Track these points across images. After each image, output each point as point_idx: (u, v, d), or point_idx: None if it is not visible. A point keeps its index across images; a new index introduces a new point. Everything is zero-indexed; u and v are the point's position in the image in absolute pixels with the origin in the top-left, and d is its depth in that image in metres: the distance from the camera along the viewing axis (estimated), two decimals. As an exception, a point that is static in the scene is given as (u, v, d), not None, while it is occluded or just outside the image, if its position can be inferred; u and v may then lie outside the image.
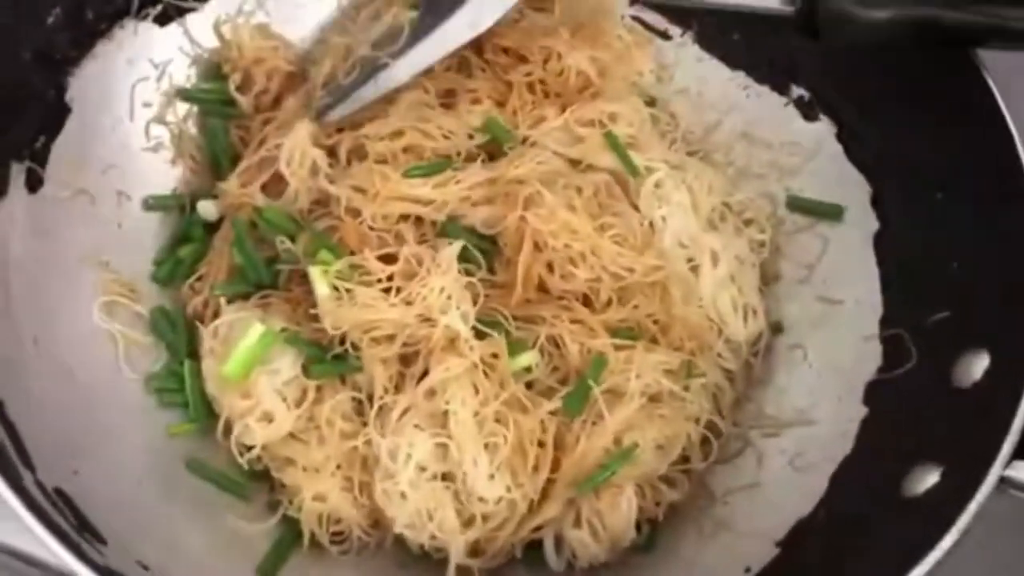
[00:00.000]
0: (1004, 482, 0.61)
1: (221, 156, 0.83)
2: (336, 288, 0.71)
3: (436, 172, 0.76)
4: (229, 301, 0.75)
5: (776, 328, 0.81)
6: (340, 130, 0.79)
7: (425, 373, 0.70)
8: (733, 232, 0.81)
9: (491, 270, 0.74)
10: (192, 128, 0.85)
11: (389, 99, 0.79)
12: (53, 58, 0.78)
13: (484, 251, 0.74)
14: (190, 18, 0.85)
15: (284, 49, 0.85)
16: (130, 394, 0.75)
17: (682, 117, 0.87)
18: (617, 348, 0.72)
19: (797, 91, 0.85)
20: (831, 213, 0.82)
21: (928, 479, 0.64)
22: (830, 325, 0.79)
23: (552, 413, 0.70)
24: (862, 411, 0.73)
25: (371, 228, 0.74)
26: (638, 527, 0.72)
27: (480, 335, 0.71)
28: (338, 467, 0.71)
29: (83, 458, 0.68)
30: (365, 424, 0.71)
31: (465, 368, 0.69)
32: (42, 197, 0.76)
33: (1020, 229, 0.69)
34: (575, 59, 0.81)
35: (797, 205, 0.84)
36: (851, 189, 0.81)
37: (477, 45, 0.80)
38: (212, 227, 0.81)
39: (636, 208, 0.78)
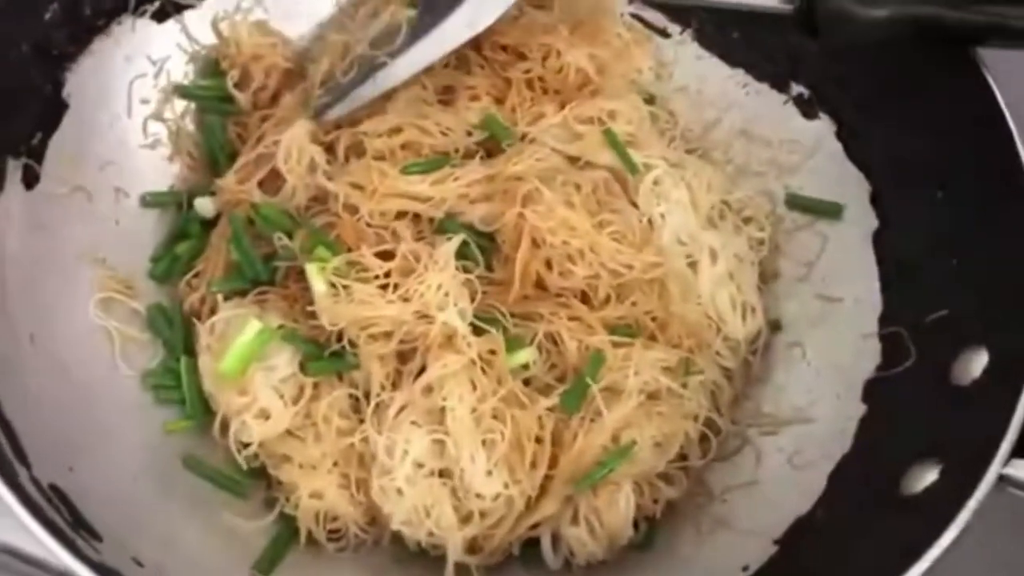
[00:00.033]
0: (1003, 480, 0.61)
1: (219, 153, 0.83)
2: (333, 285, 0.71)
3: (434, 169, 0.76)
4: (226, 298, 0.75)
5: (775, 326, 0.80)
6: (338, 127, 0.79)
7: (422, 370, 0.70)
8: (732, 230, 0.81)
9: (489, 267, 0.74)
10: (190, 125, 0.85)
11: (387, 96, 0.79)
12: (50, 53, 0.78)
13: (482, 248, 0.74)
14: (188, 15, 0.85)
15: (282, 46, 0.85)
16: (126, 391, 0.75)
17: (681, 115, 0.87)
18: (615, 345, 0.72)
19: (796, 89, 0.85)
20: (830, 211, 0.81)
21: (927, 477, 0.64)
22: (829, 323, 0.79)
23: (550, 410, 0.70)
24: (861, 409, 0.73)
25: (368, 225, 0.74)
26: (636, 525, 0.72)
27: (478, 332, 0.70)
28: (335, 464, 0.71)
29: (79, 455, 0.68)
30: (362, 421, 0.71)
31: (462, 365, 0.69)
32: (39, 193, 0.76)
33: (1019, 227, 0.69)
34: (574, 56, 0.81)
35: (796, 203, 0.83)
36: (850, 187, 0.81)
37: (476, 42, 0.80)
38: (209, 224, 0.81)
39: (635, 205, 0.78)
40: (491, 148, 0.79)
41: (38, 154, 0.77)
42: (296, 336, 0.72)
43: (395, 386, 0.71)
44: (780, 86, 0.86)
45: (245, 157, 0.80)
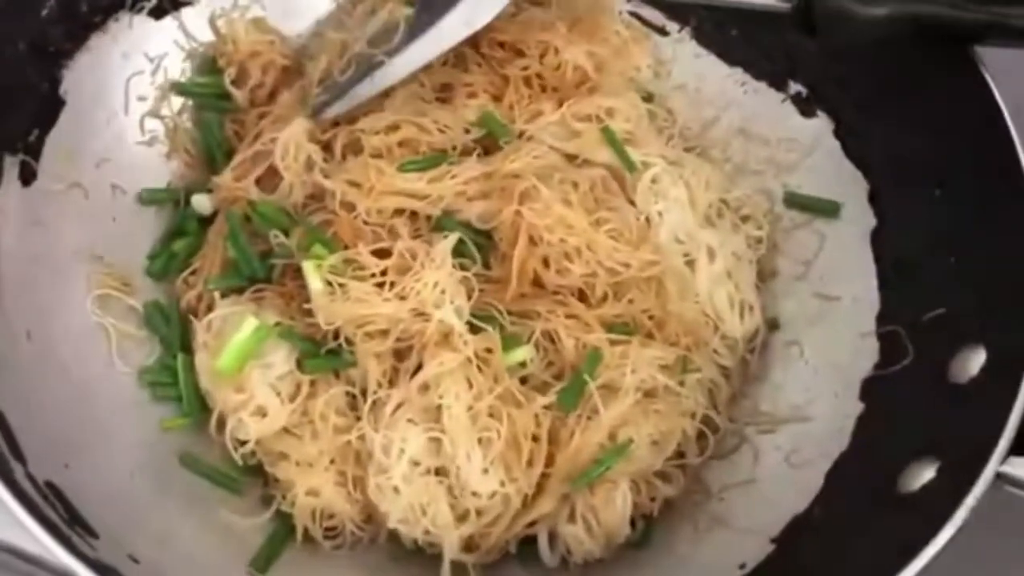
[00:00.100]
0: (1000, 478, 0.61)
1: (216, 150, 0.83)
2: (330, 283, 0.71)
3: (431, 166, 0.76)
4: (223, 295, 0.75)
5: (772, 324, 0.80)
6: (335, 124, 0.79)
7: (419, 368, 0.70)
8: (730, 228, 0.81)
9: (486, 265, 0.74)
10: (187, 122, 0.85)
11: (385, 93, 0.79)
12: (47, 50, 0.78)
13: (479, 245, 0.74)
14: (185, 12, 0.85)
15: (280, 43, 0.85)
16: (123, 388, 0.75)
17: (679, 113, 0.87)
18: (612, 343, 0.72)
19: (795, 87, 0.85)
20: (828, 209, 0.81)
21: (924, 475, 0.64)
22: (827, 321, 0.79)
23: (546, 408, 0.70)
24: (858, 407, 0.73)
25: (365, 222, 0.74)
26: (633, 523, 0.72)
27: (475, 330, 0.70)
28: (331, 462, 0.71)
29: (75, 451, 0.68)
30: (359, 419, 0.71)
31: (459, 363, 0.68)
32: (35, 190, 0.76)
33: (1017, 225, 0.69)
34: (572, 54, 0.81)
35: (794, 201, 0.83)
36: (848, 185, 0.81)
37: (474, 39, 0.80)
38: (206, 221, 0.81)
39: (632, 203, 0.78)
40: (489, 146, 0.79)
41: (35, 151, 0.77)
42: (293, 333, 0.72)
43: (391, 384, 0.71)
44: (778, 84, 0.86)
45: (242, 154, 0.80)
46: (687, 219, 0.78)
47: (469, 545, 0.70)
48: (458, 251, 0.72)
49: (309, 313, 0.71)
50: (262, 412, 0.71)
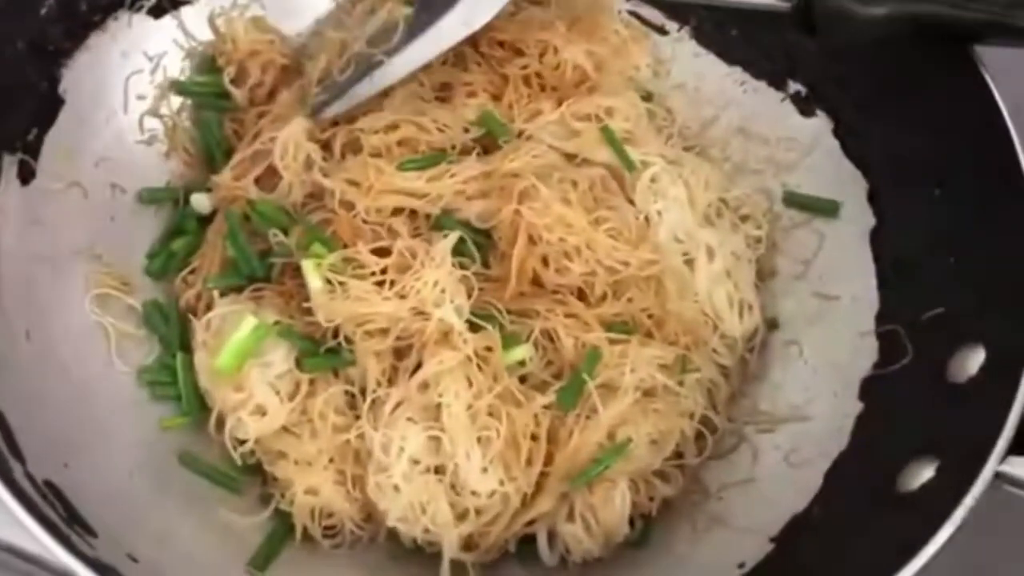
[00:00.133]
0: (999, 477, 0.61)
1: (215, 149, 0.83)
2: (329, 281, 0.71)
3: (431, 165, 0.76)
4: (222, 294, 0.75)
5: (772, 324, 0.80)
6: (335, 123, 0.79)
7: (418, 366, 0.70)
8: (729, 227, 0.81)
9: (485, 264, 0.74)
10: (186, 121, 0.85)
11: (384, 93, 0.79)
12: (46, 49, 0.78)
13: (479, 244, 0.74)
14: (185, 10, 0.85)
15: (279, 42, 0.85)
16: (122, 387, 0.75)
17: (678, 112, 0.87)
18: (612, 342, 0.72)
19: (794, 86, 0.85)
20: (827, 209, 0.81)
21: (923, 474, 0.64)
22: (826, 321, 0.79)
23: (546, 407, 0.70)
24: (857, 407, 0.73)
25: (365, 221, 0.74)
26: (631, 522, 0.72)
27: (474, 328, 0.70)
28: (331, 460, 0.71)
29: (74, 451, 0.68)
30: (358, 417, 0.71)
31: (458, 361, 0.68)
32: (34, 189, 0.76)
33: (1017, 225, 0.69)
34: (571, 53, 0.81)
35: (793, 201, 0.83)
36: (848, 185, 0.81)
37: (473, 39, 0.79)
38: (205, 220, 0.81)
39: (632, 203, 0.78)
40: (488, 145, 0.79)
41: (34, 150, 0.77)
42: (292, 332, 0.72)
43: (391, 383, 0.71)
44: (778, 84, 0.86)
45: (241, 153, 0.80)
46: (686, 218, 0.78)
47: (468, 544, 0.70)
48: (458, 250, 0.72)
49: (308, 312, 0.71)
50: (261, 411, 0.71)
